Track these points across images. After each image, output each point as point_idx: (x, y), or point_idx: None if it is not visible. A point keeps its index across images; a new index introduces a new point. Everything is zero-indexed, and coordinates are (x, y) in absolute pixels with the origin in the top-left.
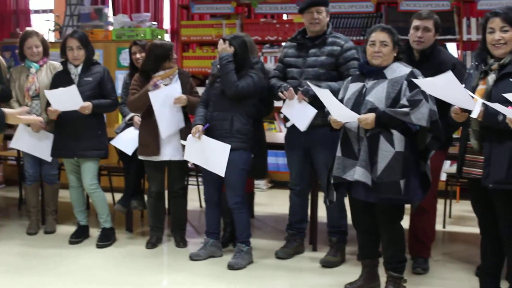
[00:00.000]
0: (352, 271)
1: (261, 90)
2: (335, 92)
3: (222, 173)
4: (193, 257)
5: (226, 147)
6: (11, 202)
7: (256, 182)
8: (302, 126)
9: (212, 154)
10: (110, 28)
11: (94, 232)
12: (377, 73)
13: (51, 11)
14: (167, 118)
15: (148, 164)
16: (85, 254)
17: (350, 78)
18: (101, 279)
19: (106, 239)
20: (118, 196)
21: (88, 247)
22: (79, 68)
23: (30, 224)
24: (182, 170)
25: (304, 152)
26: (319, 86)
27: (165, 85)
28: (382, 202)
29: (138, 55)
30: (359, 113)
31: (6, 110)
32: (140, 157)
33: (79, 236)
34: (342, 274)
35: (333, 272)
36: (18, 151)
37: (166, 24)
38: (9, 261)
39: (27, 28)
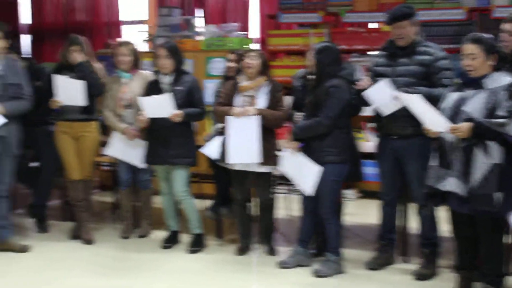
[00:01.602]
0: (444, 285)
1: (347, 101)
2: (432, 97)
3: (310, 193)
4: (281, 265)
5: (317, 169)
6: (106, 206)
7: (345, 191)
8: (387, 110)
9: (303, 172)
10: (199, 38)
11: (185, 238)
12: (476, 83)
13: (143, 22)
14: (239, 145)
15: (232, 171)
16: (177, 259)
17: (450, 87)
18: (191, 283)
19: (197, 245)
20: (208, 202)
21: (179, 252)
22: (170, 77)
23: (124, 228)
24: (267, 181)
25: (395, 161)
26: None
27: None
28: (476, 214)
29: (231, 64)
30: (455, 123)
31: None
32: (220, 163)
33: (171, 241)
34: (434, 287)
35: (424, 285)
36: None
37: (254, 34)
38: (104, 263)
39: (120, 39)
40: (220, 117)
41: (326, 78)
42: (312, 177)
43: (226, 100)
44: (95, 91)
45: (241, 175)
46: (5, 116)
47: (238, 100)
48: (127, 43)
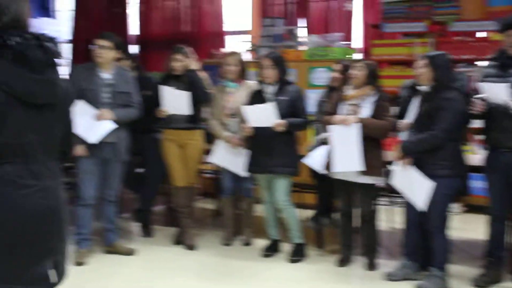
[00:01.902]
0: None
1: (462, 114)
2: None
3: (423, 208)
4: (388, 277)
5: (430, 185)
6: (208, 213)
7: (451, 205)
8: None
9: (415, 187)
10: (302, 48)
11: (286, 247)
12: None
13: (246, 32)
14: (341, 154)
15: (336, 181)
16: (277, 268)
17: None
18: None
19: (298, 254)
20: (309, 212)
21: (280, 261)
22: (274, 87)
23: (225, 235)
24: (370, 192)
25: (504, 175)
26: None
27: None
28: None
29: (336, 74)
30: None
31: None
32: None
33: (272, 249)
34: None
35: None
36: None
37: (357, 44)
38: (206, 269)
39: (225, 49)
40: (325, 126)
41: (442, 89)
42: (424, 192)
43: (332, 109)
44: (201, 100)
45: (345, 185)
46: (115, 122)
47: (343, 109)
48: (234, 53)
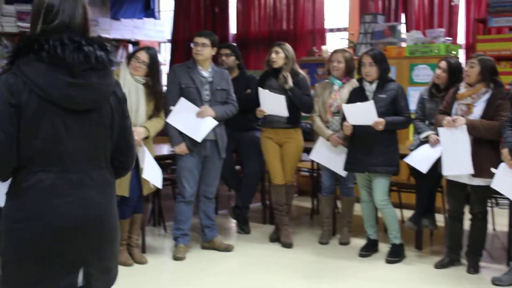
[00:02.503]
0: None
1: None
2: None
3: None
4: (494, 282)
5: None
6: (304, 211)
7: None
8: None
9: None
10: (403, 44)
11: (383, 247)
12: None
13: (345, 29)
14: (451, 156)
15: (450, 182)
16: (374, 268)
17: None
18: None
19: (396, 255)
20: (407, 212)
21: (377, 261)
22: (374, 85)
23: (322, 233)
24: (482, 195)
25: None
26: None
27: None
28: None
29: (441, 72)
30: None
31: None
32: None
33: (369, 249)
34: None
35: None
36: (312, 162)
37: (461, 39)
38: (302, 267)
39: (324, 47)
40: (436, 125)
41: None
42: None
43: (446, 108)
44: (301, 106)
45: (456, 187)
46: (215, 119)
47: (455, 108)
48: (342, 50)
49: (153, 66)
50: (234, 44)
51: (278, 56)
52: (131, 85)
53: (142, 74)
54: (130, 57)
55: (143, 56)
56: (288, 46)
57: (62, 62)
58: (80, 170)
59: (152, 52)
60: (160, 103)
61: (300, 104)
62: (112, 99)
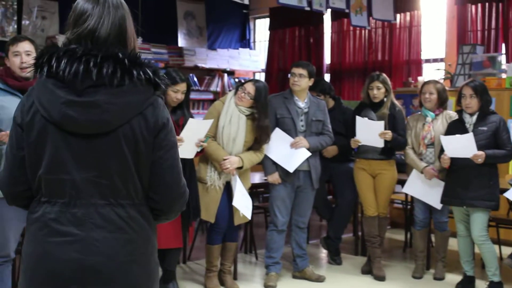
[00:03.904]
0: None
1: None
2: None
3: None
4: None
5: None
6: (396, 244)
7: None
8: None
9: None
10: (503, 76)
11: (480, 284)
12: None
13: (442, 60)
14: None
15: None
16: None
17: None
18: None
19: None
20: (506, 249)
21: None
22: (474, 117)
23: (416, 267)
24: None
25: None
26: None
27: None
28: None
29: None
30: None
31: None
32: None
33: (465, 286)
34: None
35: None
36: (406, 195)
37: None
38: None
39: (421, 77)
40: None
41: None
42: None
43: None
44: (395, 147)
45: None
46: (309, 150)
47: None
48: (434, 82)
49: (259, 99)
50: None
51: (379, 92)
52: (233, 114)
53: (247, 105)
54: (238, 87)
55: (249, 87)
56: (386, 78)
57: (62, 78)
58: (87, 204)
59: (259, 85)
60: (263, 137)
61: (394, 146)
62: (137, 123)
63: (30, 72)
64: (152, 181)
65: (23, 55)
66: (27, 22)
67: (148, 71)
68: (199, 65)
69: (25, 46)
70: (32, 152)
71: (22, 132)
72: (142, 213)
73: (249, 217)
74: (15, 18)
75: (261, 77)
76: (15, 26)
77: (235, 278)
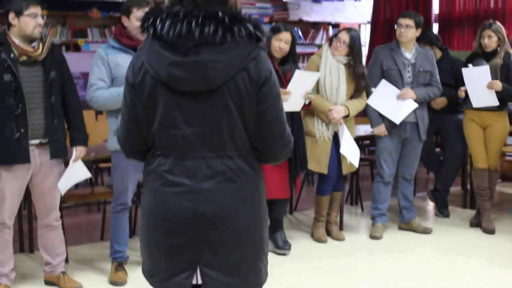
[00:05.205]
0: None
1: None
2: None
3: None
4: None
5: None
6: (507, 197)
7: None
8: None
9: None
10: None
11: None
12: None
13: None
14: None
15: None
16: None
17: None
18: None
19: None
20: None
21: None
22: None
23: None
24: None
25: None
26: None
27: None
28: None
29: None
30: None
31: None
32: None
33: None
34: None
35: None
36: None
37: None
38: (501, 255)
39: None
40: None
41: None
42: None
43: None
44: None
45: None
46: (417, 102)
47: None
48: None
49: (354, 46)
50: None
51: (491, 41)
52: (332, 65)
53: (343, 54)
54: (332, 38)
55: (344, 36)
56: (500, 27)
57: (166, 39)
58: (197, 157)
59: (353, 33)
60: (361, 84)
61: (506, 96)
62: (241, 78)
63: None
64: (257, 132)
65: None
66: None
67: (249, 26)
68: (304, 18)
69: None
70: (145, 110)
71: (135, 91)
72: (249, 163)
73: (357, 165)
74: None
75: (367, 29)
76: None
77: (341, 228)
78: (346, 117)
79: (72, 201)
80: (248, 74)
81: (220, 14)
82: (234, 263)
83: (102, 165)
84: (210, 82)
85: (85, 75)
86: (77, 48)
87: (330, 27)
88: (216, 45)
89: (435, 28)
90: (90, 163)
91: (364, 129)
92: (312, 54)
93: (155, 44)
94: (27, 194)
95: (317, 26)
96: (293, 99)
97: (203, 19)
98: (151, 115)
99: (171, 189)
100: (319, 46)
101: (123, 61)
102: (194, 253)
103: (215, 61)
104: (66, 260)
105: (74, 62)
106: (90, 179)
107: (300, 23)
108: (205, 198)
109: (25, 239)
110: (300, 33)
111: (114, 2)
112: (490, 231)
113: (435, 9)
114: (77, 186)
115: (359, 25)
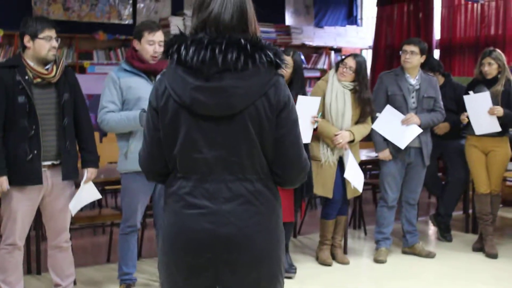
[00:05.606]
0: None
1: None
2: None
3: None
4: None
5: None
6: (508, 222)
7: None
8: None
9: None
10: None
11: None
12: None
13: None
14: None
15: None
16: None
17: None
18: None
19: None
20: None
21: None
22: None
23: None
24: None
25: None
26: None
27: None
28: None
29: None
30: None
31: None
32: None
33: None
34: None
35: None
36: None
37: None
38: (505, 279)
39: None
40: None
41: None
42: None
43: None
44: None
45: None
46: (421, 127)
47: None
48: None
49: (360, 72)
50: None
51: (492, 68)
52: (338, 90)
53: (349, 80)
54: (338, 63)
55: (350, 62)
56: (500, 54)
57: (190, 65)
58: (218, 180)
59: (359, 59)
60: (367, 109)
61: (507, 122)
62: (261, 103)
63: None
64: (275, 157)
65: (157, 45)
66: (142, 5)
67: (269, 54)
68: (306, 43)
69: (160, 36)
70: (167, 133)
71: (157, 115)
72: (267, 186)
73: (361, 190)
74: (130, 1)
75: (368, 54)
76: (131, 10)
77: (345, 252)
78: (351, 142)
79: (79, 223)
80: (268, 100)
81: (242, 41)
82: (253, 284)
83: (107, 187)
84: (232, 107)
85: (90, 97)
86: (82, 70)
87: (332, 52)
88: (238, 71)
89: (436, 54)
90: (99, 185)
91: (366, 153)
92: (314, 78)
93: (178, 69)
94: (36, 215)
95: (319, 50)
96: (301, 124)
97: (226, 46)
98: (173, 138)
99: (191, 211)
100: (321, 70)
101: (134, 83)
102: (214, 274)
103: (237, 87)
104: (74, 283)
105: (80, 84)
106: (97, 201)
107: (303, 47)
108: (225, 219)
109: (33, 260)
110: (302, 57)
111: (120, 25)
112: (493, 256)
113: (436, 35)
114: (82, 208)
115: (361, 50)
